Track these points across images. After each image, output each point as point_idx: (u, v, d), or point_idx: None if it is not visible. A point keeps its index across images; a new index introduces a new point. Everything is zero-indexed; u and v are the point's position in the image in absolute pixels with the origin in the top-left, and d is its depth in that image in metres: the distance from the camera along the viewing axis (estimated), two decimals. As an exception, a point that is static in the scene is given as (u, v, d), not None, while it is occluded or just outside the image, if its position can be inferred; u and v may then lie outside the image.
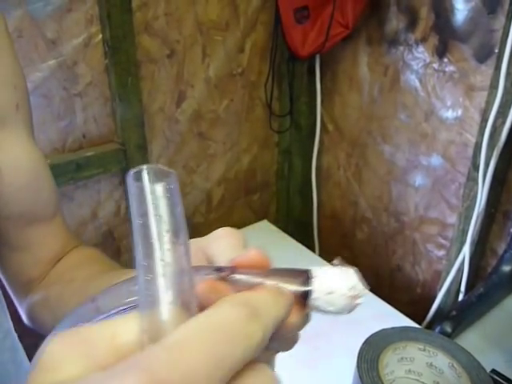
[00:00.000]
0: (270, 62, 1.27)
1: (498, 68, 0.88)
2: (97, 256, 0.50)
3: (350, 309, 0.25)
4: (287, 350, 0.26)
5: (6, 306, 0.45)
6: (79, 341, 0.18)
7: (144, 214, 0.20)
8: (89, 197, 1.11)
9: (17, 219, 0.45)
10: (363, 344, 0.55)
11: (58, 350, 0.18)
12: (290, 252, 1.23)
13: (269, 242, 1.27)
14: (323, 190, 1.44)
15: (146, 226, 0.20)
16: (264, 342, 0.18)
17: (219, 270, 0.24)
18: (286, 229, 1.44)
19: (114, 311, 0.24)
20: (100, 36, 0.99)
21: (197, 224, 1.34)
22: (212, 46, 1.17)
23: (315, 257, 1.26)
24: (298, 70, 1.30)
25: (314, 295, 0.24)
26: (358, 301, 0.25)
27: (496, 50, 0.90)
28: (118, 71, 1.01)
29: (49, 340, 0.19)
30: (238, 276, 0.23)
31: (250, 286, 0.23)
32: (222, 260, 0.26)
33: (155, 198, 0.20)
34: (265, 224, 1.37)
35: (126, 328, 0.19)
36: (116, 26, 0.98)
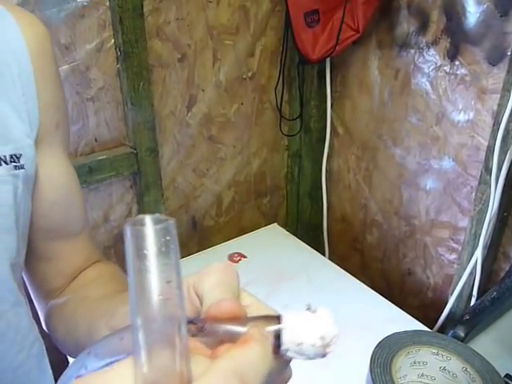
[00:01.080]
0: (280, 65, 1.27)
1: (510, 71, 0.87)
2: (113, 273, 0.51)
3: (322, 356, 0.24)
4: None
5: (31, 314, 0.46)
6: None
7: (140, 259, 0.20)
8: (101, 200, 1.12)
9: (46, 232, 0.47)
10: (376, 347, 0.55)
11: None
12: (299, 255, 1.23)
13: (278, 246, 1.27)
14: (333, 194, 1.44)
15: (141, 273, 0.20)
16: None
17: (191, 322, 0.24)
18: (295, 232, 1.44)
19: (110, 360, 0.25)
20: (112, 41, 1.01)
21: (207, 227, 1.34)
22: (222, 50, 1.17)
23: (325, 260, 1.26)
24: (308, 73, 1.30)
25: (284, 346, 0.24)
26: (329, 349, 0.24)
27: (508, 53, 0.90)
28: (129, 75, 1.02)
29: None
30: (209, 329, 0.24)
31: (222, 338, 0.23)
32: (209, 299, 0.27)
33: (154, 246, 0.20)
34: (274, 227, 1.37)
35: (120, 379, 0.20)
36: (128, 31, 0.99)
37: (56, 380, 0.48)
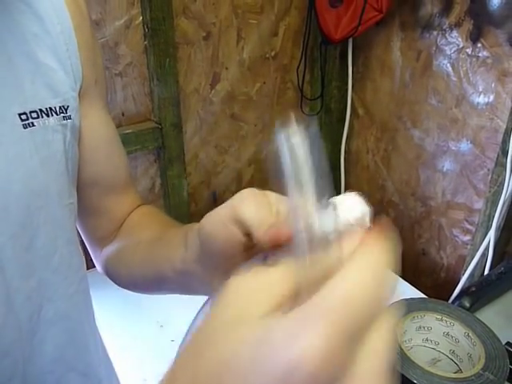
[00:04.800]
0: (303, 45, 1.29)
1: (531, 53, 0.88)
2: (151, 214, 0.56)
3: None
4: None
5: (82, 253, 0.52)
6: (260, 283, 0.21)
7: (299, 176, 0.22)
8: (126, 172, 1.17)
9: (95, 186, 0.51)
10: (383, 311, 0.58)
11: (244, 290, 0.21)
12: (316, 232, 1.26)
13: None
14: (351, 174, 1.46)
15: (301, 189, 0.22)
16: None
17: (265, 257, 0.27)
18: (313, 211, 1.47)
19: None
20: (140, 18, 1.04)
21: (227, 203, 1.38)
22: (247, 29, 1.20)
23: (341, 238, 1.29)
24: (330, 54, 1.31)
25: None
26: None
27: (531, 36, 0.90)
28: (156, 52, 1.06)
29: (233, 279, 0.21)
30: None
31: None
32: (257, 224, 0.30)
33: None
34: (292, 205, 1.40)
35: (290, 272, 0.21)
36: (156, 9, 1.02)
37: None
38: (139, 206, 0.57)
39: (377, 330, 0.19)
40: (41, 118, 0.41)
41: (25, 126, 0.40)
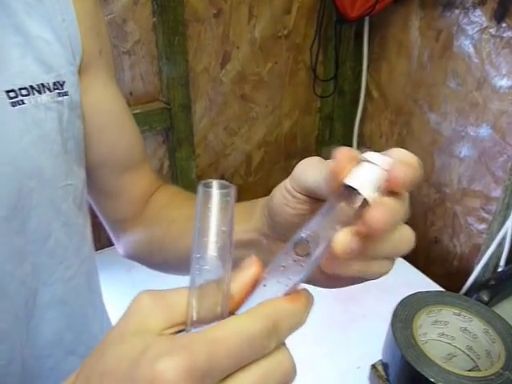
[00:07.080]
0: (317, 24, 1.24)
1: (560, 34, 0.83)
2: (182, 192, 0.54)
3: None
4: (403, 252, 0.28)
5: (89, 233, 0.49)
6: (163, 302, 0.24)
7: (206, 211, 0.25)
8: (134, 154, 1.15)
9: (106, 166, 0.49)
10: (398, 304, 0.56)
11: (147, 304, 0.23)
12: (326, 218, 1.23)
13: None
14: (364, 158, 1.42)
15: (205, 220, 0.25)
16: (275, 347, 0.23)
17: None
18: (323, 195, 1.44)
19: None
20: (149, -6, 1.00)
21: (235, 186, 1.36)
22: (259, 6, 1.15)
23: (352, 224, 1.27)
24: (345, 33, 1.26)
25: (367, 196, 0.25)
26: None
27: (560, 15, 0.85)
28: (165, 30, 1.02)
29: (140, 294, 0.24)
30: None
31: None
32: (317, 182, 0.30)
33: (216, 203, 0.26)
34: (303, 189, 1.37)
35: (179, 298, 0.24)
36: (165, -16, 0.98)
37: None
38: (161, 186, 0.54)
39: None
40: (32, 95, 0.38)
41: (13, 104, 0.37)
